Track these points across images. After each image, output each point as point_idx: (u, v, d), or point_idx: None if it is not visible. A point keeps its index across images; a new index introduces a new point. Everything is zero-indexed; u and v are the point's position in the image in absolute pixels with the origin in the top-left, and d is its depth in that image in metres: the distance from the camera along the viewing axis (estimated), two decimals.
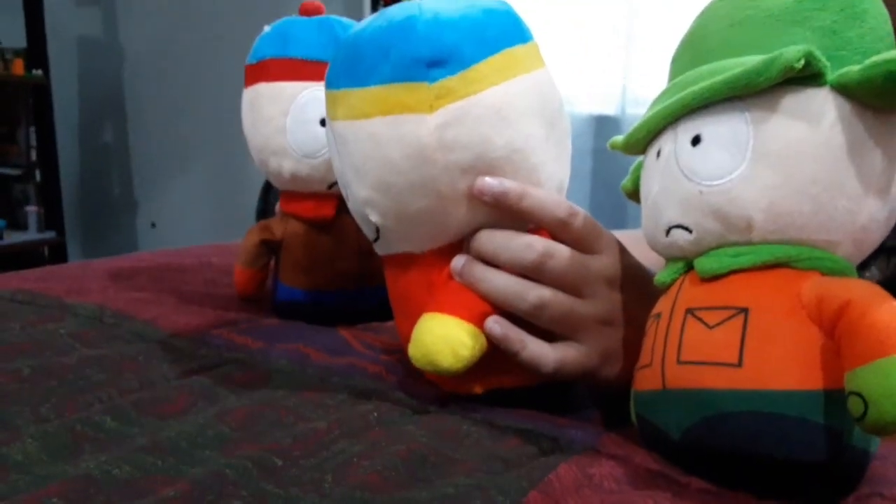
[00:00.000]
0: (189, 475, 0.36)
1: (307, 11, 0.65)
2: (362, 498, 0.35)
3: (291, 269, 0.67)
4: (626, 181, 0.52)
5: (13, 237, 2.83)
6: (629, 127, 0.47)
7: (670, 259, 0.43)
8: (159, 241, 3.10)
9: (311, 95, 0.62)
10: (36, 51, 2.79)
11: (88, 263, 0.82)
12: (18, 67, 2.75)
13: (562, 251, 0.47)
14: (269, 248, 0.67)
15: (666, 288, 0.43)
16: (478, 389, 0.49)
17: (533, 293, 0.47)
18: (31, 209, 2.90)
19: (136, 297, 0.68)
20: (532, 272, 0.47)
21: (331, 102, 0.48)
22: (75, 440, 0.40)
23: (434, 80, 0.43)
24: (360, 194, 0.47)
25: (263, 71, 0.64)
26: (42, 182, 2.92)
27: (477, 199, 0.46)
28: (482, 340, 0.46)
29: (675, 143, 0.41)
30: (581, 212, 0.48)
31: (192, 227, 2.99)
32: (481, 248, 0.47)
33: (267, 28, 0.66)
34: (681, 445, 0.39)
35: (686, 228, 0.40)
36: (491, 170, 0.45)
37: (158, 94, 3.00)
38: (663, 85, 0.45)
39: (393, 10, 0.46)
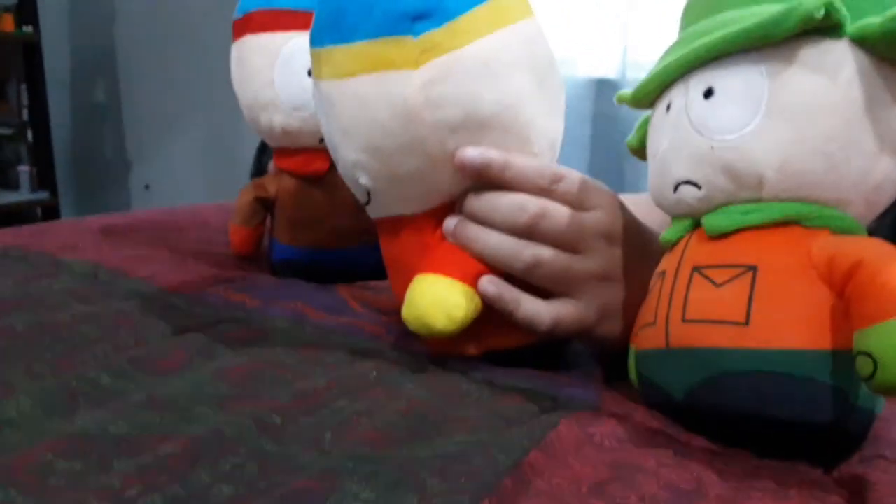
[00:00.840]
0: (187, 432, 0.36)
1: None
2: (362, 454, 0.34)
3: (286, 227, 0.66)
4: (631, 138, 0.51)
5: (5, 197, 2.81)
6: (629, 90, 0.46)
7: (676, 216, 0.43)
8: (153, 203, 3.08)
9: (297, 45, 0.61)
10: (26, 7, 2.74)
11: (82, 220, 0.81)
12: (8, 23, 2.71)
13: (555, 209, 0.46)
14: (264, 205, 0.67)
15: (671, 246, 0.43)
16: (473, 351, 0.49)
17: (528, 252, 0.46)
18: (24, 169, 2.87)
19: (131, 255, 0.67)
20: (525, 233, 0.46)
21: (315, 61, 0.46)
22: (70, 397, 0.39)
23: (419, 33, 0.42)
24: (349, 157, 0.46)
25: (249, 23, 0.62)
26: (34, 141, 2.89)
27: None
28: (476, 301, 0.46)
29: (686, 96, 0.40)
30: (568, 174, 0.47)
31: (187, 189, 2.97)
32: (474, 209, 0.46)
33: None
34: (684, 405, 0.39)
35: (695, 185, 0.40)
36: (480, 128, 0.44)
37: (151, 52, 2.96)
38: (665, 48, 0.44)
39: None
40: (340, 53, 0.44)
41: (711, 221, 0.39)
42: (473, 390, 0.44)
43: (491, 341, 0.48)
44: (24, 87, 2.84)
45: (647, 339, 0.42)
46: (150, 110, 3.06)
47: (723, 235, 0.39)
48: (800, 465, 0.37)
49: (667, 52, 0.43)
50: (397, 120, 0.43)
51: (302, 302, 0.57)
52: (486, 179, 0.45)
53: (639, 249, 0.49)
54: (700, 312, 0.38)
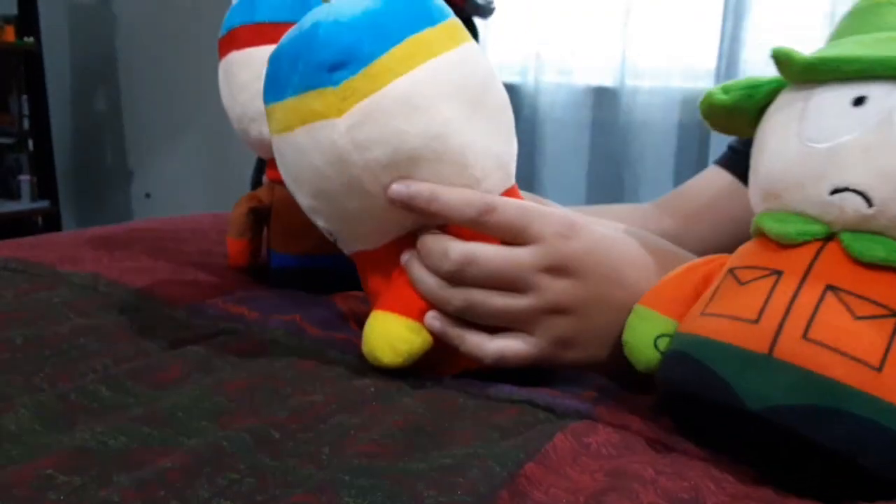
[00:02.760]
0: (186, 446, 0.36)
1: None
2: (360, 466, 0.34)
3: (282, 236, 0.67)
4: (722, 92, 0.45)
5: (6, 206, 2.81)
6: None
7: (804, 216, 0.38)
8: (154, 212, 3.08)
9: None
10: (27, 18, 2.75)
11: (82, 232, 0.81)
12: (10, 35, 2.71)
13: (482, 253, 0.46)
14: (259, 216, 0.67)
15: (786, 244, 0.39)
16: (451, 371, 0.50)
17: (458, 296, 0.46)
18: (24, 178, 2.88)
19: (131, 266, 0.67)
20: (454, 279, 0.46)
21: (267, 118, 0.49)
22: (70, 410, 0.39)
23: (337, 83, 0.44)
24: (304, 203, 0.49)
25: (233, 40, 0.63)
26: (35, 151, 2.89)
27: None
28: (424, 334, 0.47)
29: None
30: (502, 205, 0.46)
31: (187, 197, 2.97)
32: (418, 247, 0.47)
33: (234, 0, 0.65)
34: (753, 415, 0.35)
35: (867, 199, 0.35)
36: (411, 161, 0.45)
37: (152, 62, 2.97)
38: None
39: (306, 17, 0.46)
40: (278, 110, 0.46)
41: (864, 248, 0.36)
42: (470, 404, 0.44)
43: (464, 361, 0.49)
44: (25, 97, 2.85)
45: (732, 332, 0.37)
46: (151, 119, 3.06)
47: (872, 265, 0.35)
48: (797, 476, 0.37)
49: (845, 41, 0.39)
50: (332, 165, 0.45)
51: (300, 315, 0.57)
52: (416, 213, 0.46)
53: (604, 275, 0.48)
54: (828, 338, 0.35)
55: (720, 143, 0.92)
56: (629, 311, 0.45)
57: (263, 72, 0.61)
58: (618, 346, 0.46)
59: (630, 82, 1.89)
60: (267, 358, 0.49)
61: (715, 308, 0.39)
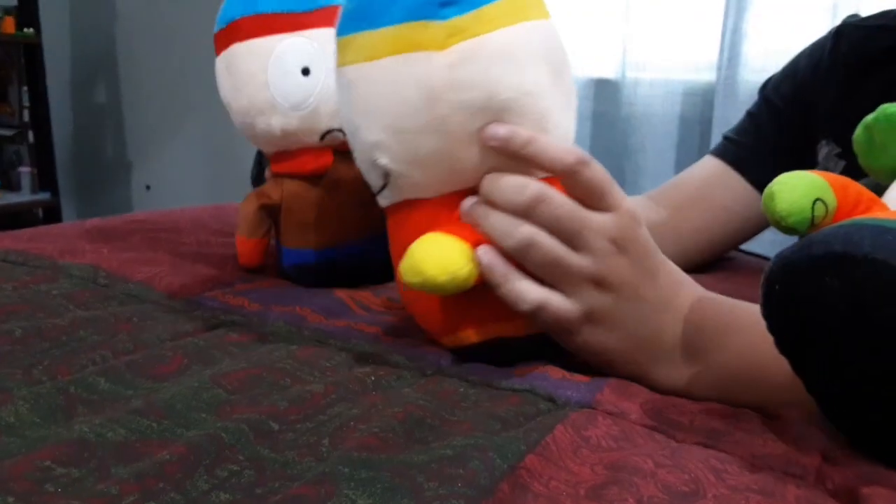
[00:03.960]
0: (185, 438, 0.36)
1: None
2: (360, 459, 0.34)
3: (297, 231, 0.65)
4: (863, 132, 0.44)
5: (6, 198, 2.81)
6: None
7: None
8: (154, 204, 3.08)
9: (288, 46, 0.61)
10: (27, 8, 2.74)
11: (82, 224, 0.81)
12: (9, 26, 2.71)
13: (557, 197, 0.46)
14: (269, 213, 0.66)
15: None
16: (474, 338, 0.49)
17: (523, 229, 0.45)
18: (25, 170, 2.87)
19: (131, 258, 0.67)
20: (523, 214, 0.46)
21: (340, 50, 0.48)
22: (68, 402, 0.39)
23: (446, 17, 0.44)
24: (370, 138, 0.47)
25: (235, 32, 0.62)
26: (35, 142, 2.89)
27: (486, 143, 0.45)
28: (472, 266, 0.45)
29: None
30: (595, 163, 0.47)
31: (187, 189, 2.97)
32: (483, 189, 0.47)
33: None
34: None
35: None
36: (501, 111, 0.45)
37: (152, 53, 2.96)
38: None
39: None
40: (366, 38, 0.45)
41: None
42: (471, 393, 0.44)
43: (492, 328, 0.48)
44: (25, 88, 2.85)
45: None
46: (151, 111, 3.06)
47: None
48: (795, 466, 0.37)
49: None
50: (422, 99, 0.44)
51: (300, 305, 0.57)
52: (509, 153, 0.46)
53: (648, 269, 0.48)
54: None
55: (721, 135, 0.92)
56: (650, 315, 0.47)
57: (269, 62, 0.61)
58: (634, 343, 0.47)
59: (631, 74, 1.88)
60: (266, 348, 0.49)
61: None
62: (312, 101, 0.61)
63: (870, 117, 0.44)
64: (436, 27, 0.44)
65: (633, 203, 0.75)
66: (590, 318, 0.47)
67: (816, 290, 0.35)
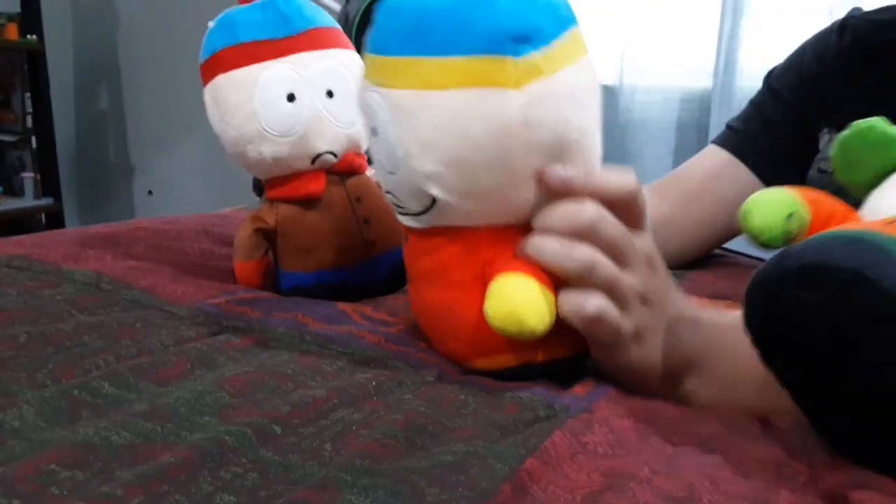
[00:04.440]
0: (188, 441, 0.36)
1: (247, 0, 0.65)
2: (362, 466, 0.35)
3: (293, 254, 0.65)
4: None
5: (10, 203, 2.82)
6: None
7: None
8: (156, 209, 3.09)
9: (272, 73, 0.62)
10: (30, 15, 2.76)
11: (86, 230, 0.81)
12: (12, 32, 2.72)
13: (610, 217, 0.47)
14: (266, 236, 0.66)
15: None
16: (512, 361, 0.49)
17: (581, 252, 0.46)
18: (28, 175, 2.88)
19: (134, 265, 0.67)
20: (582, 235, 0.46)
21: (389, 69, 0.46)
22: (73, 406, 0.40)
23: (520, 54, 0.42)
24: (424, 168, 0.45)
25: (218, 63, 0.63)
26: (38, 148, 2.90)
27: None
28: (554, 306, 0.46)
29: None
30: (643, 193, 0.48)
31: (190, 195, 2.98)
32: (538, 220, 0.47)
33: (211, 24, 0.65)
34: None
35: None
36: (564, 151, 0.45)
37: (154, 59, 2.97)
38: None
39: None
40: (429, 65, 0.44)
41: None
42: (471, 401, 0.44)
43: (529, 353, 0.49)
44: (28, 94, 2.86)
45: None
46: (153, 116, 3.07)
47: None
48: (787, 469, 0.38)
49: None
50: (490, 136, 0.43)
51: (302, 313, 0.57)
52: (572, 191, 0.46)
53: (670, 284, 0.51)
54: None
55: (724, 125, 0.93)
56: (682, 327, 0.49)
57: (254, 93, 0.61)
58: (671, 358, 0.49)
59: (628, 81, 1.89)
60: (269, 353, 0.50)
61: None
62: (300, 126, 0.62)
63: (843, 134, 0.45)
64: (511, 64, 0.42)
65: None
66: (637, 334, 0.48)
67: (792, 304, 0.36)
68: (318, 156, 0.63)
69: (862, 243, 0.34)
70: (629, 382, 0.49)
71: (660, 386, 0.50)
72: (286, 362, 0.47)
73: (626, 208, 0.47)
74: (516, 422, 0.41)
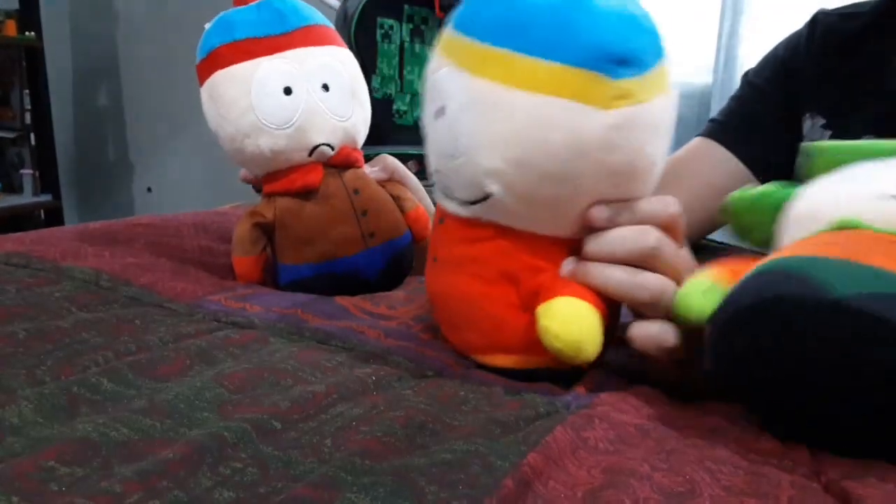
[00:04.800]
0: (188, 437, 0.36)
1: (243, 1, 0.65)
2: (362, 465, 0.35)
3: (292, 247, 0.66)
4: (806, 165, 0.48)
5: (9, 200, 2.82)
6: None
7: None
8: (155, 206, 3.09)
9: (269, 67, 0.62)
10: (28, 12, 2.75)
11: (85, 227, 0.81)
12: (11, 29, 2.72)
13: (669, 240, 0.48)
14: (264, 231, 0.66)
15: None
16: (540, 363, 0.49)
17: (655, 282, 0.46)
18: (27, 172, 2.88)
19: (133, 262, 0.67)
20: (649, 256, 0.46)
21: (475, 55, 0.45)
22: (72, 402, 0.40)
23: (618, 77, 0.42)
24: (488, 164, 0.44)
25: (215, 61, 0.63)
26: (37, 145, 2.89)
27: (603, 198, 0.46)
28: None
29: None
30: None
31: (189, 191, 2.98)
32: (595, 245, 0.47)
33: (207, 25, 0.65)
34: (837, 304, 0.34)
35: None
36: (631, 178, 0.45)
37: (153, 56, 2.97)
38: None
39: None
40: (522, 63, 0.43)
41: None
42: (472, 397, 0.44)
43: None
44: (26, 91, 2.85)
45: (815, 251, 0.38)
46: (152, 113, 3.06)
47: None
48: (788, 461, 0.38)
49: None
50: (567, 149, 0.43)
51: (302, 309, 0.57)
52: (615, 225, 0.47)
53: None
54: None
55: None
56: None
57: (251, 87, 0.62)
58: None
59: None
60: (268, 349, 0.49)
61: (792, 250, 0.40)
62: (297, 119, 0.62)
63: (731, 206, 0.49)
64: (607, 85, 0.42)
65: None
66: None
67: (740, 351, 0.39)
68: (315, 148, 0.63)
69: (764, 276, 0.38)
70: (696, 393, 0.50)
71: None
72: (285, 358, 0.47)
73: (668, 229, 0.48)
74: (517, 419, 0.41)
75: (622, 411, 0.43)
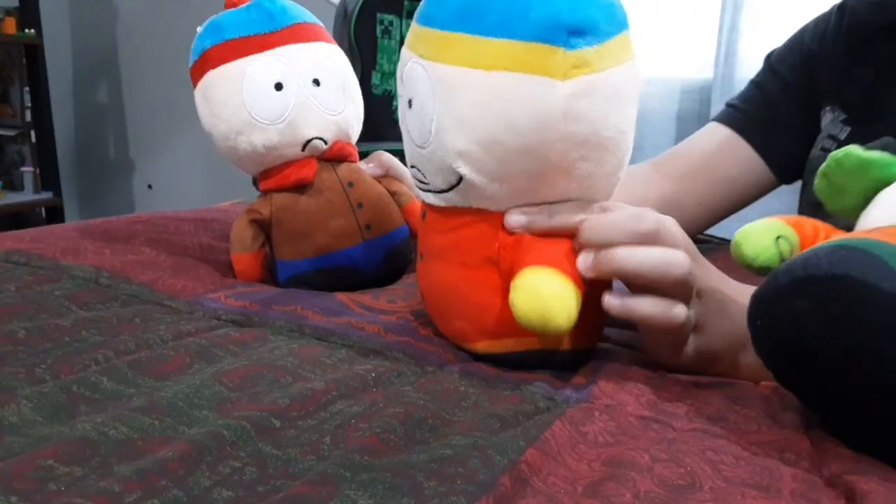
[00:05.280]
0: (187, 436, 0.36)
1: (234, 4, 0.66)
2: (361, 461, 0.35)
3: (289, 242, 0.66)
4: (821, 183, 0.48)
5: (9, 198, 2.82)
6: None
7: None
8: (156, 203, 3.09)
9: (259, 65, 0.63)
10: (28, 9, 2.75)
11: (85, 224, 0.81)
12: (10, 26, 2.71)
13: (669, 220, 0.48)
14: (262, 228, 0.66)
15: None
16: (565, 346, 0.49)
17: (674, 253, 0.46)
18: (27, 170, 2.88)
19: (133, 260, 0.67)
20: (650, 240, 0.46)
21: (434, 43, 0.46)
22: (71, 401, 0.40)
23: (573, 47, 0.43)
24: (456, 145, 0.45)
25: (206, 62, 0.64)
26: (37, 143, 2.89)
27: (575, 171, 0.45)
28: (579, 299, 0.45)
29: None
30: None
31: (189, 188, 2.97)
32: (593, 236, 0.46)
33: (199, 29, 0.66)
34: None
35: None
36: (597, 146, 0.45)
37: (153, 53, 2.96)
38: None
39: None
40: (479, 44, 0.44)
41: None
42: (472, 392, 0.44)
43: (557, 341, 0.49)
44: (26, 89, 2.85)
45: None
46: (153, 110, 3.06)
47: None
48: (790, 453, 0.38)
49: None
50: (532, 122, 0.43)
51: (301, 306, 0.57)
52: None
53: (709, 269, 0.51)
54: None
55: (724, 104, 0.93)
56: (729, 307, 0.50)
57: (242, 84, 0.62)
58: (729, 339, 0.50)
59: None
60: (267, 347, 0.49)
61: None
62: (289, 113, 0.62)
63: (823, 166, 0.47)
64: (563, 55, 0.43)
65: (636, 171, 0.75)
66: (698, 325, 0.49)
67: (789, 315, 0.37)
68: (308, 142, 0.63)
69: (843, 250, 0.35)
70: (687, 369, 0.50)
71: (738, 360, 0.51)
72: (285, 355, 0.47)
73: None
74: (517, 413, 0.41)
75: (623, 402, 0.43)
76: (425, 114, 0.47)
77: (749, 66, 1.69)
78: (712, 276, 0.51)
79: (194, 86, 0.65)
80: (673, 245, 0.46)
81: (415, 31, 0.48)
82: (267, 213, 0.66)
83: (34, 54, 2.78)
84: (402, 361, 0.49)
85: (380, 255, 0.67)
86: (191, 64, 0.65)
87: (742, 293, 0.51)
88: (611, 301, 0.46)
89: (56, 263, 0.64)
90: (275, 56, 0.63)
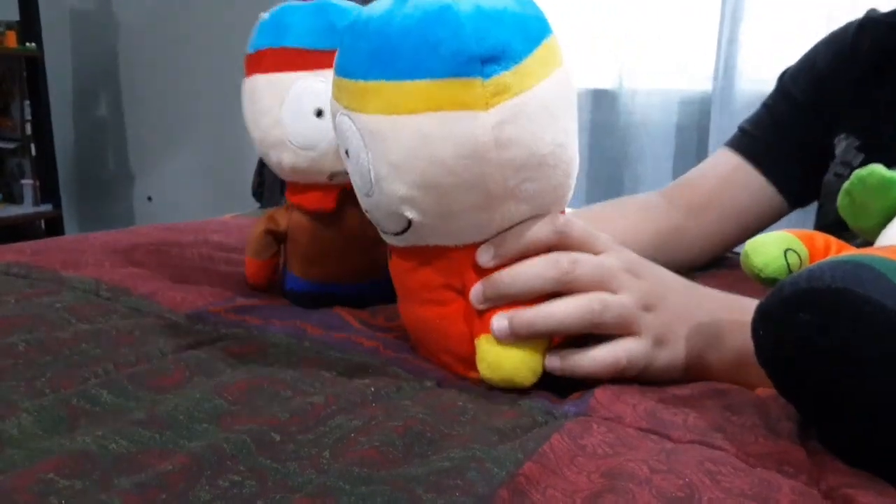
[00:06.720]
0: (186, 449, 0.36)
1: None
2: (360, 474, 0.35)
3: (299, 261, 0.66)
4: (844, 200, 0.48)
5: (9, 210, 2.82)
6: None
7: None
8: (156, 215, 3.09)
9: (305, 86, 0.61)
10: (29, 23, 2.76)
11: (85, 237, 0.81)
12: (11, 40, 2.73)
13: (581, 255, 0.48)
14: (276, 238, 0.66)
15: None
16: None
17: (595, 299, 0.47)
18: (27, 182, 2.89)
19: (133, 272, 0.67)
20: (564, 281, 0.47)
21: (358, 94, 0.45)
22: (71, 414, 0.40)
23: (488, 76, 0.42)
24: (398, 192, 0.45)
25: (260, 61, 0.62)
26: (37, 155, 2.90)
27: (521, 194, 0.45)
28: (543, 349, 0.47)
29: None
30: (569, 218, 0.49)
31: (189, 200, 2.98)
32: (511, 289, 0.47)
33: (265, 15, 0.64)
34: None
35: None
36: (537, 166, 0.45)
37: (153, 66, 2.98)
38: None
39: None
40: (396, 90, 0.43)
41: None
42: (470, 407, 0.44)
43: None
44: (27, 102, 2.86)
45: None
46: (152, 123, 3.07)
47: None
48: (788, 465, 0.38)
49: None
50: (463, 158, 0.43)
51: (301, 320, 0.57)
52: (505, 262, 0.47)
53: (660, 277, 0.51)
54: None
55: (718, 143, 0.92)
56: (691, 312, 0.50)
57: (287, 97, 0.61)
58: (693, 347, 0.49)
59: (628, 84, 1.89)
60: (267, 360, 0.50)
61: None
62: (323, 143, 0.61)
63: (847, 183, 0.47)
64: (479, 86, 0.42)
65: (647, 201, 0.76)
66: (657, 341, 0.49)
67: (793, 327, 0.37)
68: (336, 174, 0.63)
69: (849, 265, 0.35)
70: (661, 380, 0.50)
71: (709, 364, 0.50)
72: (284, 369, 0.47)
73: (568, 247, 0.48)
74: (514, 427, 0.41)
75: (619, 413, 0.43)
76: (361, 164, 0.46)
77: (748, 77, 1.70)
78: (665, 282, 0.51)
79: (245, 75, 0.64)
80: (589, 278, 0.47)
81: (335, 82, 0.47)
82: (283, 226, 0.65)
83: (35, 68, 2.80)
84: (401, 377, 0.49)
85: (388, 291, 0.67)
86: (247, 52, 0.64)
87: (705, 292, 0.51)
88: (552, 363, 0.47)
89: (56, 276, 0.64)
90: (322, 79, 0.61)
